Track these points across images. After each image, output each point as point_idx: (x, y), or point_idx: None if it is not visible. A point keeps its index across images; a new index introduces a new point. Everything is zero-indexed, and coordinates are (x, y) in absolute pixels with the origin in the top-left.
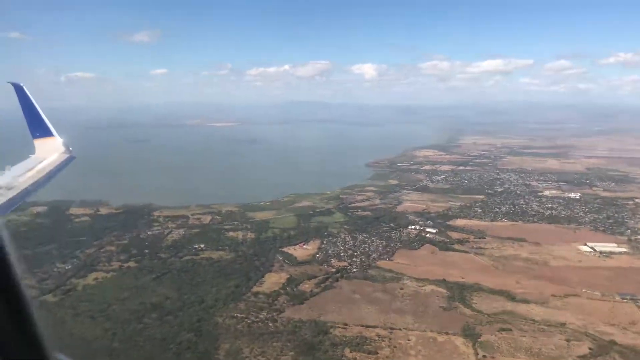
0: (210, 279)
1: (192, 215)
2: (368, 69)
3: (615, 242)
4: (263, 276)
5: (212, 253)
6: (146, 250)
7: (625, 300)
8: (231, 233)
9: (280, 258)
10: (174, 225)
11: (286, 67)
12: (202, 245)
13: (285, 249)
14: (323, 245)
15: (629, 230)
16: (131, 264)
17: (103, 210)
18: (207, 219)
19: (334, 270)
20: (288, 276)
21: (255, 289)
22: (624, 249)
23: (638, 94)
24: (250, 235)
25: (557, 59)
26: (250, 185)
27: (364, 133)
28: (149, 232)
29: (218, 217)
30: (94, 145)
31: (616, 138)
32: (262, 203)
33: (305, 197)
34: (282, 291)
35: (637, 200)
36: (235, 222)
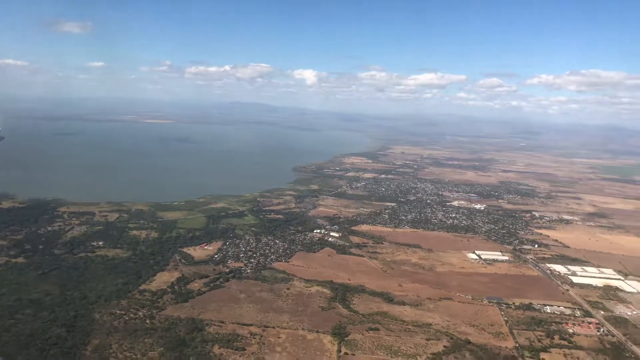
0: (99, 276)
1: (100, 212)
2: (309, 75)
3: (501, 251)
4: (155, 275)
5: (108, 251)
6: (41, 246)
7: (491, 304)
8: (134, 232)
9: (178, 258)
10: (77, 222)
11: (227, 67)
12: (101, 243)
13: (185, 249)
14: (225, 247)
15: (517, 241)
16: (20, 259)
17: (5, 204)
18: (113, 216)
19: (227, 270)
20: (180, 275)
21: (143, 286)
22: (506, 257)
23: (564, 114)
24: (154, 234)
25: (488, 76)
26: (170, 185)
27: (301, 137)
28: (49, 228)
29: (126, 215)
30: (20, 136)
31: (536, 154)
32: (175, 203)
33: (221, 199)
34: (169, 290)
35: (534, 212)
36: (142, 221)
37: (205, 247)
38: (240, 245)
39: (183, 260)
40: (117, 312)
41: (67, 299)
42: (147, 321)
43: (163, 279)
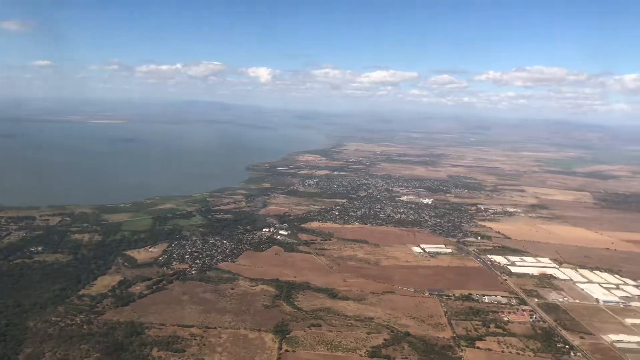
0: (36, 283)
1: (41, 216)
2: (263, 73)
3: (445, 244)
4: (95, 279)
5: (48, 256)
6: None
7: (432, 296)
8: (77, 235)
9: (121, 261)
10: (15, 227)
11: (178, 65)
12: (40, 248)
13: (129, 252)
14: (170, 248)
15: (461, 233)
16: None
17: None
18: (55, 220)
19: (171, 272)
20: (121, 279)
21: (82, 291)
22: (449, 250)
23: (513, 109)
24: (97, 237)
25: (438, 73)
26: (116, 187)
27: (256, 135)
28: None
29: (68, 219)
30: None
31: (484, 148)
32: (121, 205)
33: (169, 200)
34: (109, 294)
35: (479, 205)
36: (85, 224)
37: (150, 250)
38: (187, 246)
39: (126, 264)
40: (53, 319)
41: None
42: (84, 327)
43: (104, 283)
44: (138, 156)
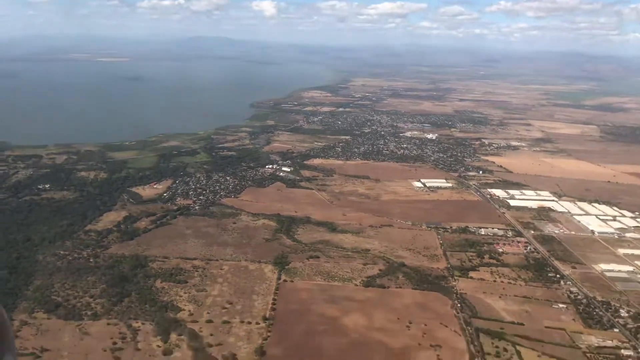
0: (44, 219)
1: (47, 155)
2: (267, 6)
3: (446, 178)
4: (101, 215)
5: (55, 193)
6: None
7: (429, 229)
8: (83, 173)
9: (126, 197)
10: (22, 165)
11: (181, 0)
12: (47, 186)
13: (134, 189)
14: (174, 185)
15: (463, 168)
16: None
17: None
18: (62, 158)
19: (175, 208)
20: (127, 214)
21: (89, 227)
22: (450, 184)
23: (526, 41)
24: (103, 175)
25: (448, 4)
26: (121, 125)
27: (262, 72)
28: None
29: (74, 157)
30: None
31: (493, 82)
32: (127, 143)
33: (174, 137)
34: (114, 229)
35: (483, 140)
36: (91, 162)
37: (155, 186)
38: (190, 183)
39: (131, 200)
40: (61, 252)
41: (10, 243)
42: (91, 260)
43: (110, 219)
44: (143, 94)
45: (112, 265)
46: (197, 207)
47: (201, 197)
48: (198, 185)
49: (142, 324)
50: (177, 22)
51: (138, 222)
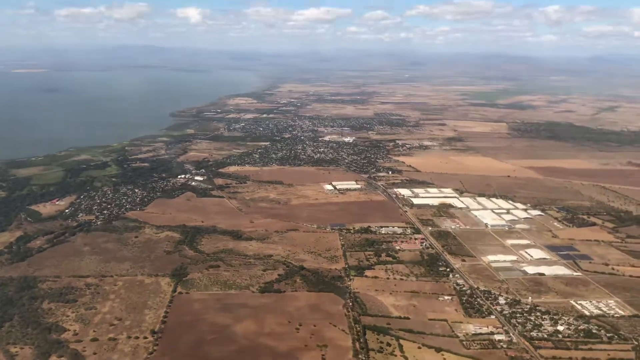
0: None
1: None
2: (192, 13)
3: (356, 180)
4: None
5: None
6: None
7: (333, 231)
8: None
9: (23, 216)
10: None
11: (101, 8)
12: None
13: (34, 207)
14: (78, 200)
15: (374, 169)
16: None
17: None
18: None
19: (75, 224)
20: (21, 234)
21: None
22: (359, 186)
23: (449, 44)
24: (1, 193)
25: (372, 9)
26: (29, 140)
27: (188, 80)
28: None
29: None
30: None
31: (416, 84)
32: (33, 158)
33: (86, 151)
34: (5, 250)
35: (397, 141)
36: None
37: (57, 203)
38: (96, 197)
39: (29, 219)
40: None
41: None
42: None
43: (1, 241)
44: (57, 107)
45: None
46: (99, 222)
47: (105, 212)
48: (103, 200)
49: (21, 348)
50: (102, 31)
51: (33, 242)
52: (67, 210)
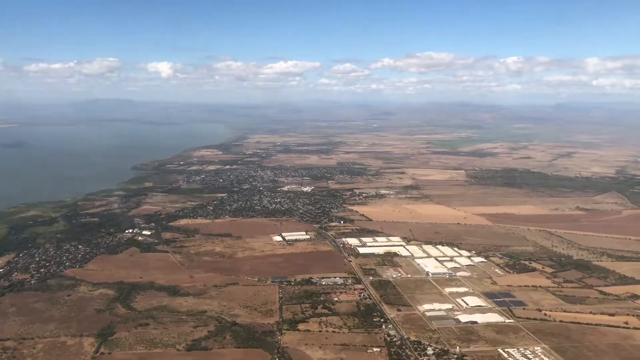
0: None
1: None
2: (164, 67)
3: (306, 230)
4: None
5: None
6: None
7: (274, 283)
8: None
9: None
10: None
11: (71, 64)
12: None
13: None
14: (16, 259)
15: (327, 219)
16: None
17: None
18: None
19: (7, 284)
20: None
21: None
22: (308, 237)
23: (419, 93)
24: None
25: (339, 62)
26: None
27: (157, 132)
28: None
29: None
30: None
31: (383, 134)
32: None
33: (36, 207)
34: None
35: (355, 190)
36: None
37: None
38: (36, 255)
39: None
40: None
41: None
42: None
43: None
44: (16, 162)
45: None
46: (33, 282)
47: (42, 270)
48: (43, 257)
49: None
50: (75, 85)
51: None
52: (1, 270)
